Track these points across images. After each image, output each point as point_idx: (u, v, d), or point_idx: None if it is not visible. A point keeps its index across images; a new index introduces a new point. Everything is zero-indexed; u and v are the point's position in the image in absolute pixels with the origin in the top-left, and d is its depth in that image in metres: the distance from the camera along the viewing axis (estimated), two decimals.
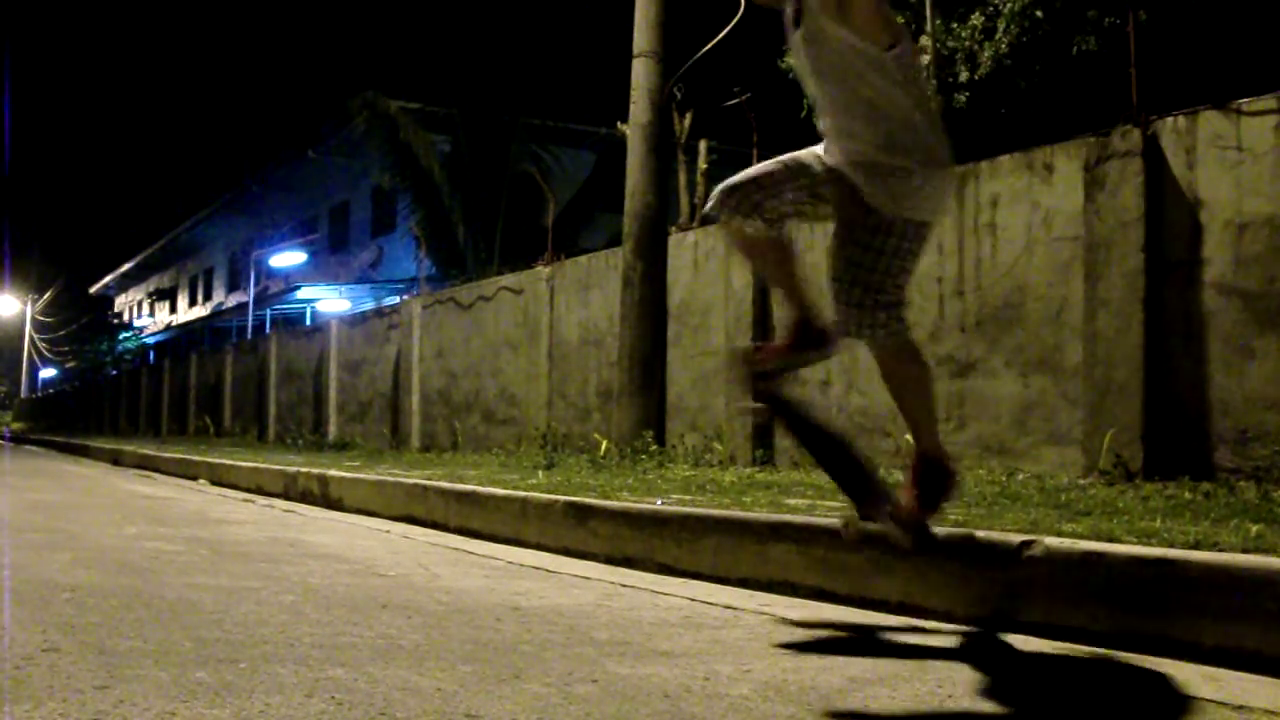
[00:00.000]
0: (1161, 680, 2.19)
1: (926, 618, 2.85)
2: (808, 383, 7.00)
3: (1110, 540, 2.68)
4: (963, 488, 3.37)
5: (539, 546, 4.45)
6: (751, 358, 2.95)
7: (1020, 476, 5.25)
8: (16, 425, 43.94)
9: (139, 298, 49.58)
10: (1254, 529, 2.93)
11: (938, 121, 2.78)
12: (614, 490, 4.78)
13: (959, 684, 2.15)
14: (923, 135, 2.69)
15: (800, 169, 2.78)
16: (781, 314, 2.88)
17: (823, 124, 2.79)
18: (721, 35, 9.13)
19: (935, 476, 2.81)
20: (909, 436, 6.45)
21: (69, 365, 50.39)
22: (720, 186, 2.85)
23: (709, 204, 2.89)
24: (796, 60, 2.80)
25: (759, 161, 3.10)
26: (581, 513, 4.28)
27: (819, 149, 2.80)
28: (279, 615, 2.73)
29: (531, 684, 2.06)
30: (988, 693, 2.10)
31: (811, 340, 2.86)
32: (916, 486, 2.79)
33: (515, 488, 5.02)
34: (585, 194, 17.98)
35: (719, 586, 3.45)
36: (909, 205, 2.67)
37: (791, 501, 4.30)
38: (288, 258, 26.99)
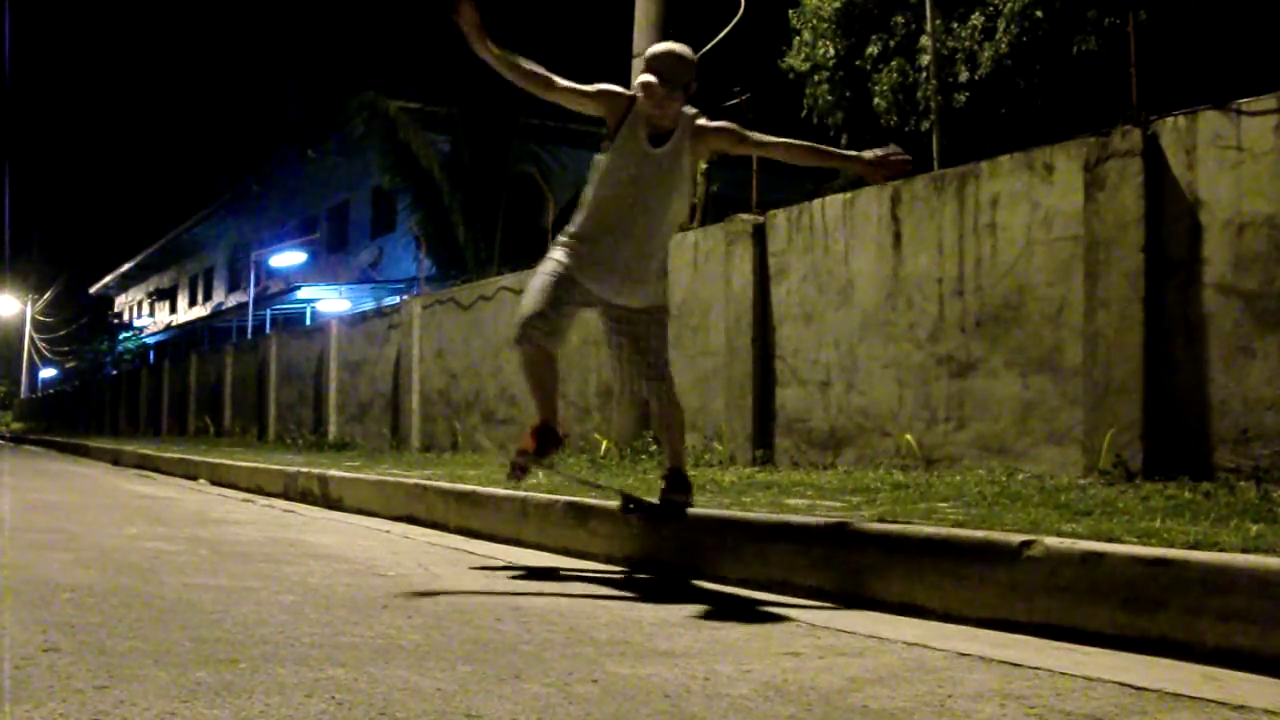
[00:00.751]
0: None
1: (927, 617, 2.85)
2: (807, 383, 7.00)
3: (1110, 540, 2.68)
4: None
5: (539, 546, 4.45)
6: (515, 460, 3.92)
7: (1020, 476, 5.25)
8: (16, 425, 43.98)
9: (139, 298, 49.54)
10: (1254, 529, 2.93)
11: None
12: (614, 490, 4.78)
13: (960, 684, 2.15)
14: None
15: (571, 291, 3.66)
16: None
17: (605, 238, 3.68)
18: (721, 35, 9.14)
19: (681, 483, 3.86)
20: (908, 436, 6.44)
21: (69, 365, 50.41)
22: (527, 315, 3.60)
23: (517, 332, 3.64)
24: (636, 169, 3.62)
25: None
26: (581, 513, 4.28)
27: (585, 276, 3.70)
28: (279, 615, 2.74)
29: (531, 684, 2.06)
30: (992, 698, 2.10)
31: (554, 442, 3.81)
32: (671, 493, 3.85)
33: (515, 487, 5.02)
34: None
35: (720, 586, 3.46)
36: (665, 294, 3.98)
37: (791, 501, 4.30)
38: (287, 258, 26.96)
